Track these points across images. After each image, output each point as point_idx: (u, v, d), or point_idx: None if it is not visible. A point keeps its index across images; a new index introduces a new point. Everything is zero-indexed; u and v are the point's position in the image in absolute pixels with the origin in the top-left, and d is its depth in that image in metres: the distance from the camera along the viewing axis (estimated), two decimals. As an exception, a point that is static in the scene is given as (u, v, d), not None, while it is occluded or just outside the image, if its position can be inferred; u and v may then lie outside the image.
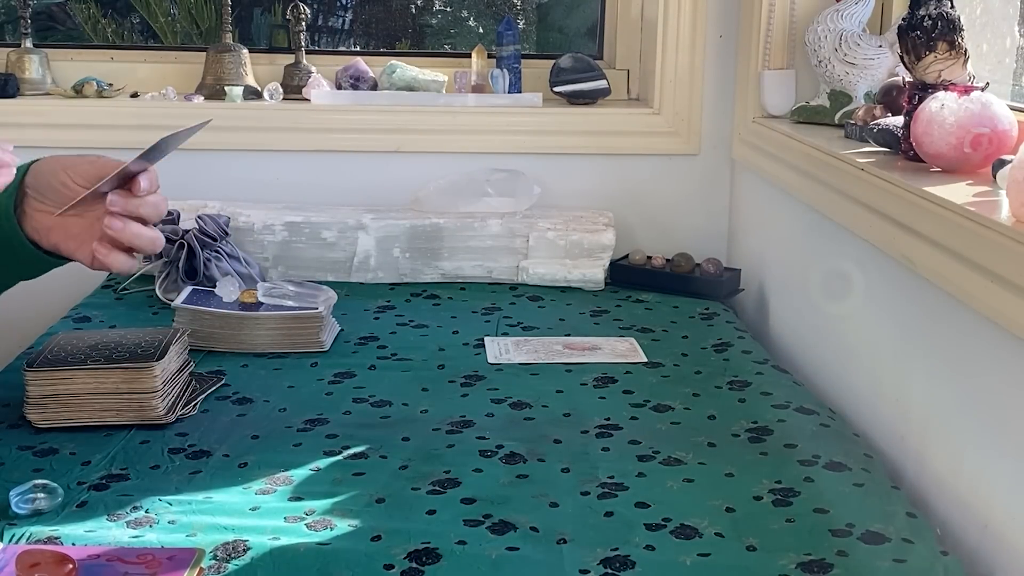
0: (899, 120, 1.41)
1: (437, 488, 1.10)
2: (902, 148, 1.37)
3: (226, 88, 2.02)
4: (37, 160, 1.09)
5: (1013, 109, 1.29)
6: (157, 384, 1.22)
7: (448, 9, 2.78)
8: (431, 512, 1.04)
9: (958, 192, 1.17)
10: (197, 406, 1.28)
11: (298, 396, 1.35)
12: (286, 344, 1.51)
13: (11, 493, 1.02)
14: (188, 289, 1.58)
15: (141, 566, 0.89)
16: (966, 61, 1.34)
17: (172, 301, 1.57)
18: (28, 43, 2.06)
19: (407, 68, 2.07)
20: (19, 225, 1.05)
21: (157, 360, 1.23)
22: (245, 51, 2.08)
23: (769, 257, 1.85)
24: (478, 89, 2.08)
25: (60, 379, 1.21)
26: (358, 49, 2.62)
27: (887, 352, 1.34)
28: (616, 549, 0.98)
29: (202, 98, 2.03)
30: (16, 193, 1.05)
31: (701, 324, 1.70)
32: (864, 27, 1.74)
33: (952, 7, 1.34)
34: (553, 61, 2.08)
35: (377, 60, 2.12)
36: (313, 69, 2.09)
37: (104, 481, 1.09)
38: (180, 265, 1.68)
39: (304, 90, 2.05)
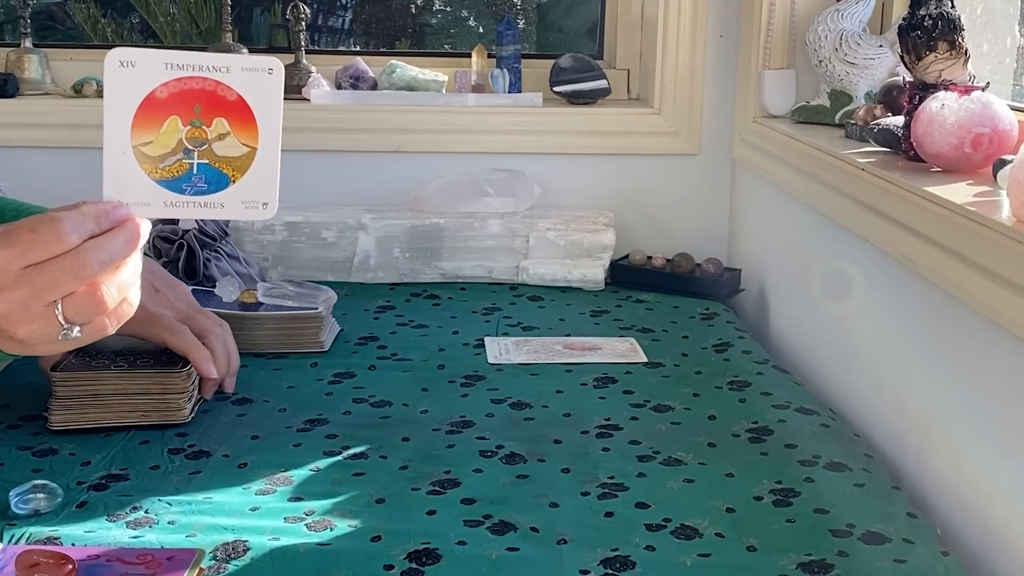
0: (899, 120, 1.41)
1: (437, 488, 1.10)
2: (902, 148, 1.37)
3: (226, 88, 2.02)
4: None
5: (1014, 109, 1.29)
6: (188, 386, 1.24)
7: (448, 9, 2.78)
8: (431, 512, 1.04)
9: (958, 192, 1.17)
10: (198, 406, 1.28)
11: (298, 396, 1.35)
12: (286, 344, 1.51)
13: (10, 493, 1.02)
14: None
15: (141, 566, 0.89)
16: (966, 61, 1.34)
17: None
18: (28, 43, 2.06)
19: (407, 68, 2.07)
20: None
21: (183, 367, 1.24)
22: (245, 51, 2.08)
23: (769, 257, 1.85)
24: (478, 89, 2.08)
25: (90, 381, 1.22)
26: (358, 49, 2.62)
27: (888, 352, 1.34)
28: (616, 549, 0.98)
29: (202, 98, 2.02)
30: None
31: (701, 324, 1.70)
32: (864, 27, 1.74)
33: (952, 7, 1.34)
34: (553, 61, 2.08)
35: (377, 60, 2.12)
36: (313, 69, 2.08)
37: (104, 481, 1.09)
38: (180, 265, 1.67)
39: (304, 90, 2.05)
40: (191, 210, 0.84)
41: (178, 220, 1.75)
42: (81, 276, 0.81)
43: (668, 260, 1.91)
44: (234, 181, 0.85)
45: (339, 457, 1.17)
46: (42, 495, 1.03)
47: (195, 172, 0.84)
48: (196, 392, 1.28)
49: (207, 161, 0.84)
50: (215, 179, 0.84)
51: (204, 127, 0.83)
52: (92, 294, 0.82)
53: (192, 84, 0.83)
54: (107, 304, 0.83)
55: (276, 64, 0.84)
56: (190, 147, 0.83)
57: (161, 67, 0.82)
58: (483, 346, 1.55)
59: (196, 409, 1.27)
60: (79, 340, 0.84)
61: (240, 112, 0.84)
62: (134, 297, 0.85)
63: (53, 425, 1.20)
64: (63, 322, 0.82)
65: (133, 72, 0.82)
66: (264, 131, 0.85)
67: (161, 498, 1.06)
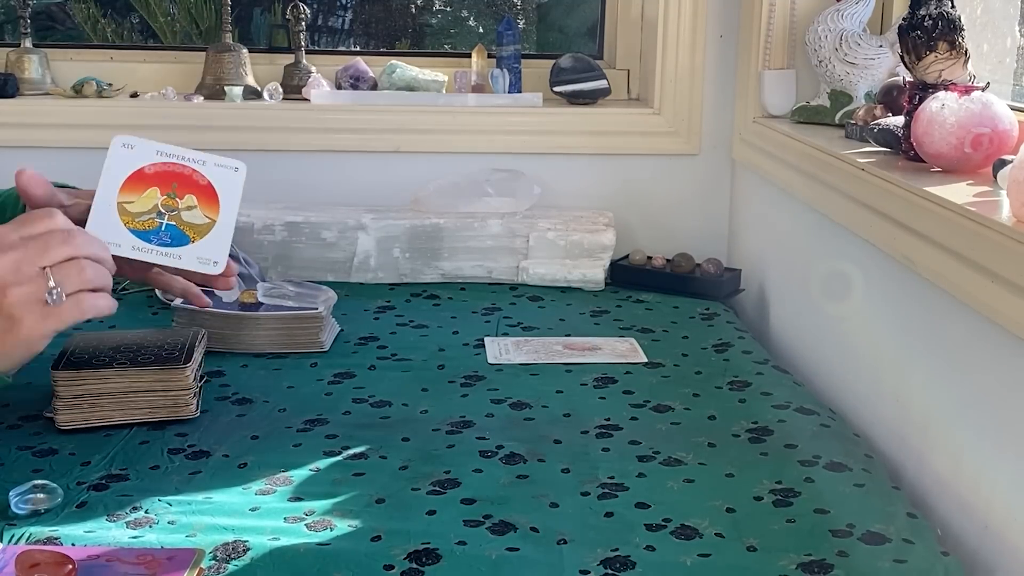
0: (900, 120, 1.41)
1: (437, 488, 1.10)
2: (903, 148, 1.37)
3: (226, 88, 2.02)
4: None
5: (1014, 109, 1.29)
6: (191, 382, 1.24)
7: (448, 9, 2.78)
8: (431, 512, 1.04)
9: (958, 192, 1.17)
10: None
11: (298, 396, 1.35)
12: (286, 344, 1.51)
13: (11, 493, 1.02)
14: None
15: (141, 567, 0.89)
16: (967, 61, 1.34)
17: (172, 301, 1.57)
18: (28, 43, 2.06)
19: (407, 68, 2.07)
20: None
21: (186, 363, 1.25)
22: (245, 51, 2.08)
23: (769, 257, 1.85)
24: (478, 89, 2.08)
25: (92, 379, 1.22)
26: (358, 49, 2.61)
27: (887, 352, 1.34)
28: (616, 549, 0.98)
29: (202, 98, 2.03)
30: None
31: (701, 324, 1.70)
32: (864, 27, 1.74)
33: (952, 7, 1.34)
34: (553, 61, 2.08)
35: (377, 60, 2.12)
36: (313, 69, 2.08)
37: (104, 481, 1.09)
38: (180, 265, 1.67)
39: (304, 90, 2.05)
40: (153, 256, 1.04)
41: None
42: (70, 244, 0.95)
43: (668, 260, 1.91)
44: (193, 242, 1.05)
45: (339, 457, 1.17)
46: (42, 495, 1.03)
47: (163, 229, 1.04)
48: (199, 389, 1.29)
49: (175, 223, 1.05)
50: (178, 237, 1.05)
51: (177, 199, 1.05)
52: (79, 264, 0.96)
53: (174, 167, 1.05)
54: (90, 280, 0.96)
55: (241, 165, 1.07)
56: (163, 211, 1.04)
57: (153, 152, 1.06)
58: (483, 346, 1.55)
59: (199, 405, 1.27)
60: (61, 312, 0.94)
61: (208, 194, 1.06)
62: (107, 302, 0.98)
63: (61, 424, 1.20)
64: (52, 284, 0.93)
65: (131, 152, 1.05)
66: (224, 212, 1.06)
67: (161, 498, 1.06)
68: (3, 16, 2.51)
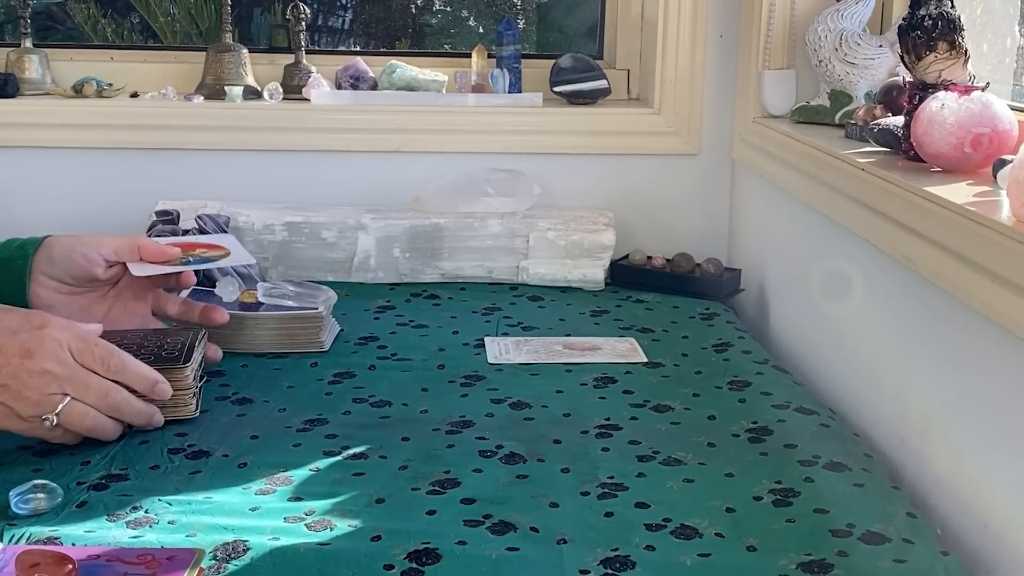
0: (899, 120, 1.42)
1: (437, 488, 1.10)
2: (902, 148, 1.37)
3: (226, 88, 2.02)
4: (46, 237, 1.28)
5: (1014, 109, 1.29)
6: (190, 383, 1.24)
7: (448, 9, 2.78)
8: (431, 512, 1.04)
9: (958, 192, 1.17)
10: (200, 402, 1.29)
11: (298, 396, 1.35)
12: (286, 344, 1.51)
13: (11, 493, 1.02)
14: (188, 289, 1.58)
15: (141, 566, 0.89)
16: (966, 61, 1.34)
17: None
18: (28, 43, 2.06)
19: (407, 68, 2.07)
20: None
21: (186, 363, 1.25)
22: (245, 51, 2.08)
23: (769, 257, 1.85)
24: (478, 89, 2.08)
25: None
26: (358, 49, 2.62)
27: (887, 352, 1.34)
28: (616, 549, 0.98)
29: (202, 98, 2.03)
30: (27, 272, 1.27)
31: (701, 324, 1.70)
32: (864, 27, 1.74)
33: (952, 7, 1.34)
34: (553, 61, 2.08)
35: (377, 60, 2.12)
36: (313, 69, 2.09)
37: (104, 481, 1.09)
38: (180, 265, 1.67)
39: (304, 90, 2.05)
40: (193, 267, 1.41)
41: (178, 221, 1.75)
42: (99, 400, 1.11)
43: (668, 260, 1.91)
44: (217, 260, 1.43)
45: (339, 457, 1.17)
46: (42, 495, 1.03)
47: (191, 261, 1.39)
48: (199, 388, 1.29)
49: (198, 259, 1.41)
50: (205, 260, 1.42)
51: (192, 252, 1.41)
52: (85, 412, 1.11)
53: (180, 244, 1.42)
54: (87, 429, 1.12)
55: (228, 234, 1.53)
56: (184, 255, 1.39)
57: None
58: (483, 346, 1.55)
59: (199, 404, 1.27)
60: (35, 429, 1.11)
61: (212, 246, 1.45)
62: (76, 440, 1.14)
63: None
64: (54, 414, 1.09)
65: None
66: (230, 245, 1.46)
67: (161, 498, 1.06)
68: (3, 16, 2.51)
